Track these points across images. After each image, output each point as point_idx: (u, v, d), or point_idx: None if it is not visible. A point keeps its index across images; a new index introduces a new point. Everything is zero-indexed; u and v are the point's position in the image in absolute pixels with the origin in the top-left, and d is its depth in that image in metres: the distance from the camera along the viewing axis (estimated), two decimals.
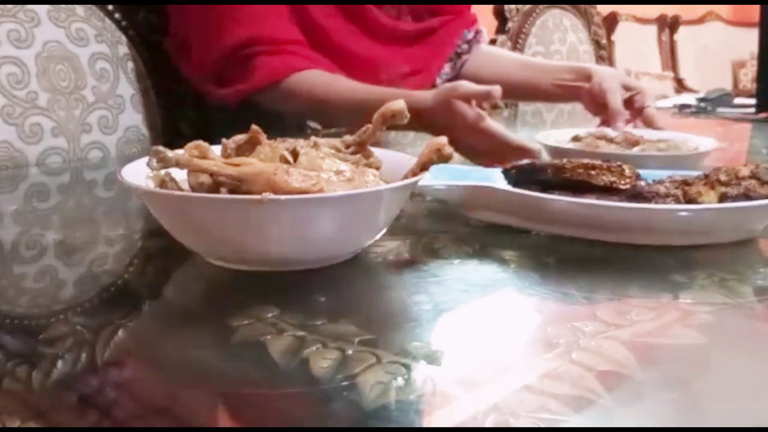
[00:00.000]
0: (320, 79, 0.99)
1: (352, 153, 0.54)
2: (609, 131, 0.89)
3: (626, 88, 1.01)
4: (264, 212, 0.44)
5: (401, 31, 1.15)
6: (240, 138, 0.53)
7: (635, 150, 0.83)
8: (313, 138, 0.54)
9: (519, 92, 1.19)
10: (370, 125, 0.54)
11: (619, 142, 0.85)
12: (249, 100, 1.02)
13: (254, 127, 0.52)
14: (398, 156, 0.57)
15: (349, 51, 1.07)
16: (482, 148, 0.79)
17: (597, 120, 1.02)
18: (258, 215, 0.44)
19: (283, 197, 0.43)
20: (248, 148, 0.52)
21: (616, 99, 0.97)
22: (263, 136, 0.52)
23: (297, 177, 0.46)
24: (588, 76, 1.04)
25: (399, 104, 0.53)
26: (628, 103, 1.00)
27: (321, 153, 0.51)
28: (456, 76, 1.18)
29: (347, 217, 0.47)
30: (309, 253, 0.48)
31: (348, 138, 0.55)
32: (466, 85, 0.81)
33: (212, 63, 1.02)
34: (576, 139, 0.87)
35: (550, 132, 0.90)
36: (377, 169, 0.53)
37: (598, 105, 1.01)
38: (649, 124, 0.98)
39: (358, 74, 1.00)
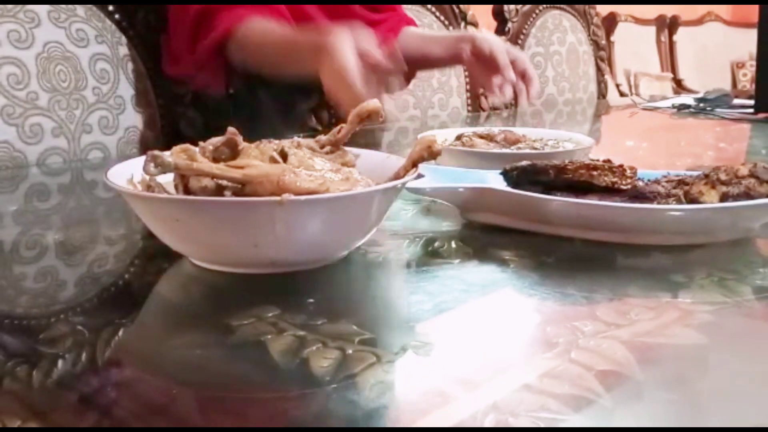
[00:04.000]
0: (261, 26, 1.00)
1: (327, 153, 0.54)
2: (494, 131, 0.90)
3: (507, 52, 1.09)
4: (284, 213, 0.43)
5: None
6: (216, 140, 0.52)
7: (513, 148, 0.83)
8: (296, 138, 0.54)
9: (414, 61, 1.23)
10: (344, 125, 0.54)
11: (500, 141, 0.86)
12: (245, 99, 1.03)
13: (230, 129, 0.51)
14: (373, 154, 0.58)
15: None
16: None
17: (484, 116, 1.07)
18: (274, 217, 0.43)
19: (302, 198, 0.43)
20: (226, 150, 0.51)
21: (504, 57, 1.06)
22: (239, 138, 0.51)
23: (305, 178, 0.46)
24: (471, 40, 1.10)
25: (374, 104, 0.53)
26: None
27: (308, 153, 0.51)
28: None
29: (360, 215, 0.47)
30: (318, 252, 0.48)
31: (322, 138, 0.55)
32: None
33: (183, 38, 1.04)
34: (458, 138, 0.87)
35: (436, 132, 0.91)
36: (353, 167, 0.53)
37: (481, 67, 1.08)
38: (528, 84, 1.07)
39: None
